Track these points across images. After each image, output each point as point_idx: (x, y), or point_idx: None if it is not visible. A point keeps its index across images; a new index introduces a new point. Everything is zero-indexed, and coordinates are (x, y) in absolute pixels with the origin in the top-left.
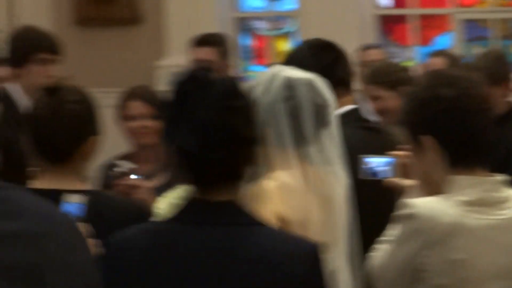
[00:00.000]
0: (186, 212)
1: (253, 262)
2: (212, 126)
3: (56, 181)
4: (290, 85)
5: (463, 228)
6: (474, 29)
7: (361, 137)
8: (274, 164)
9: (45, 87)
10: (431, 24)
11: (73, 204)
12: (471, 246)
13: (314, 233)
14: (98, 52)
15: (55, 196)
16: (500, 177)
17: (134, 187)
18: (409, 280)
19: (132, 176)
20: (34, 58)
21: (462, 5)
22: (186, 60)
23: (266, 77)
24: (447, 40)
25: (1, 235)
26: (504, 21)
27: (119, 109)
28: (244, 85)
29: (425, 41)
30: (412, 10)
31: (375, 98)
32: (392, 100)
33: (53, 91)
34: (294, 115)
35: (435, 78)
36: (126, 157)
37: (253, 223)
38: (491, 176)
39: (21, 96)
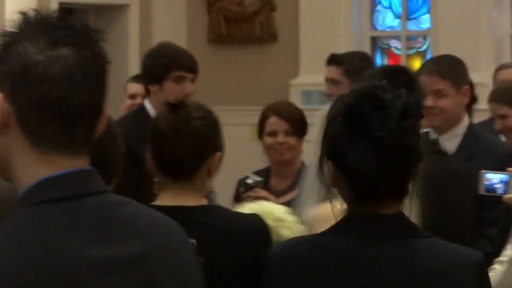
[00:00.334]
0: (353, 226)
1: (429, 275)
2: (391, 146)
3: (179, 198)
4: None
5: None
6: None
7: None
8: None
9: (168, 103)
10: None
11: None
12: None
13: None
14: (232, 71)
15: (178, 213)
16: None
17: (260, 199)
18: None
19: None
20: (171, 76)
21: None
22: (320, 79)
23: None
24: None
25: (130, 259)
26: None
27: (258, 126)
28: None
29: None
30: None
31: (501, 117)
32: None
33: (177, 108)
34: None
35: None
36: (261, 172)
37: (424, 236)
38: None
39: (153, 113)
